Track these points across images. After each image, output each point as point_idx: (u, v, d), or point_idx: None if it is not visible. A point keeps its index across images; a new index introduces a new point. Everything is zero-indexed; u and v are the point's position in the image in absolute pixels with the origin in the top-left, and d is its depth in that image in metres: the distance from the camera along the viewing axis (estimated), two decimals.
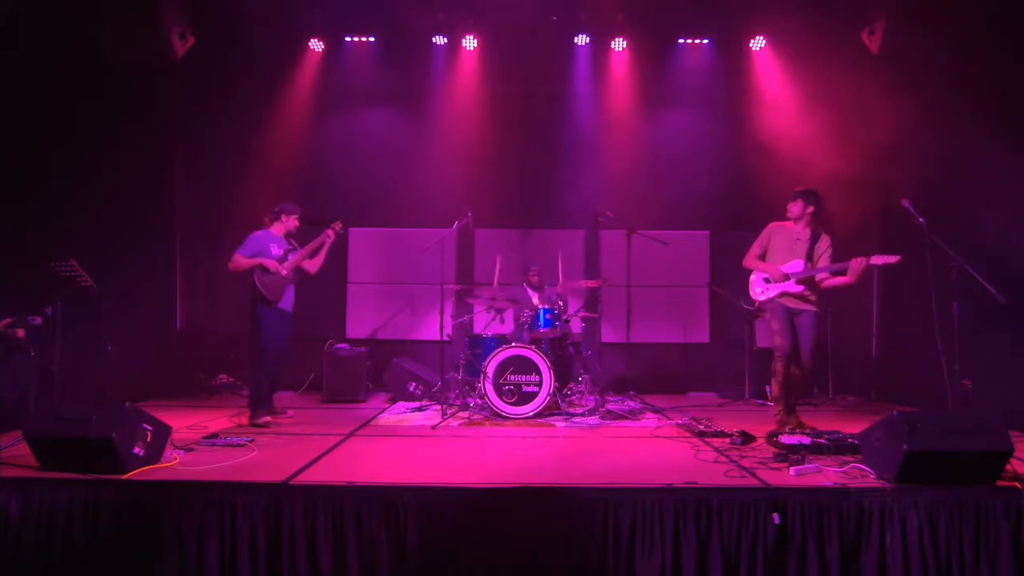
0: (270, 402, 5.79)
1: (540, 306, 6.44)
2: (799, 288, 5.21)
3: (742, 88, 8.03)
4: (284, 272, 5.63)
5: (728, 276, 7.66)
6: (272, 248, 5.67)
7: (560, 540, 3.42)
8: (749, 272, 5.52)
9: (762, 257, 5.45)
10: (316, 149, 8.22)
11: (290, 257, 5.73)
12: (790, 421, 5.19)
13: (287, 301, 5.70)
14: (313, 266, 5.94)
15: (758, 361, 7.29)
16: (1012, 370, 5.31)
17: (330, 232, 5.89)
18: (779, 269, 5.28)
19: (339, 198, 7.94)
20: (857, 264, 4.89)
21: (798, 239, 5.26)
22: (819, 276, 5.16)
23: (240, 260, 5.58)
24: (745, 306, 5.76)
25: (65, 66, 5.95)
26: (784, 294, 5.24)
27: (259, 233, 5.73)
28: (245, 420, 5.60)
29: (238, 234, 5.77)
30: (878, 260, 4.84)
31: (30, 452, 3.85)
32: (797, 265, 5.21)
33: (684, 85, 8.20)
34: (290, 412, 5.98)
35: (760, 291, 5.44)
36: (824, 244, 5.24)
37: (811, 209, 5.23)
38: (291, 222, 5.85)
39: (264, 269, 5.55)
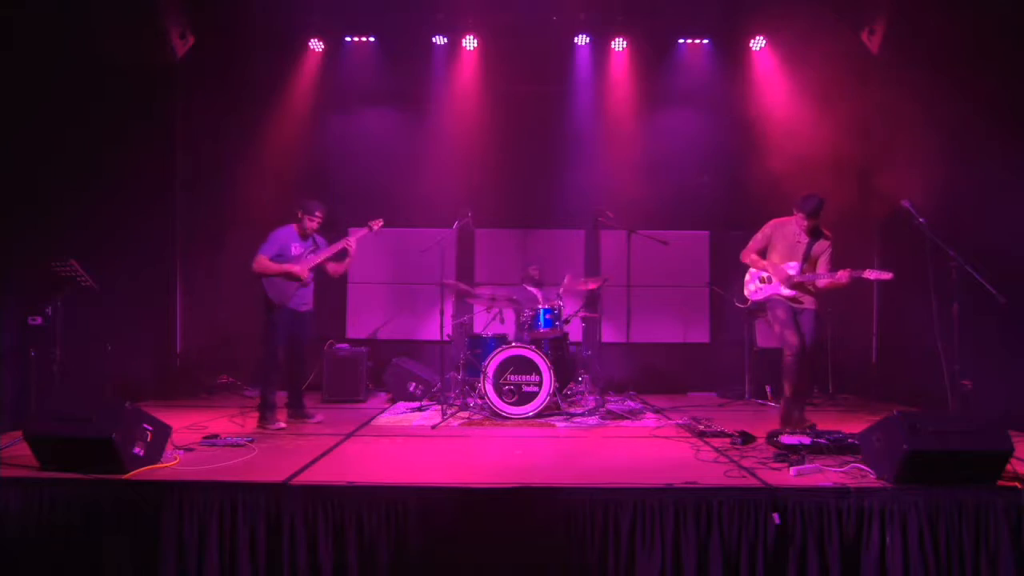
0: (300, 404, 5.75)
1: (543, 304, 6.44)
2: (793, 292, 5.19)
3: (742, 88, 8.03)
4: (304, 276, 5.52)
5: (728, 276, 7.66)
6: (292, 247, 5.54)
7: (560, 540, 3.42)
8: (747, 268, 5.49)
9: (762, 253, 5.40)
10: (316, 149, 8.22)
11: (309, 257, 5.59)
12: (803, 421, 5.12)
13: (298, 301, 5.56)
14: (336, 270, 5.79)
15: (758, 361, 7.29)
16: (1012, 370, 5.31)
17: (351, 240, 5.68)
18: (783, 269, 5.21)
19: (339, 198, 7.93)
20: (843, 276, 4.91)
21: (798, 241, 5.22)
22: (812, 280, 5.13)
23: (263, 261, 5.41)
24: (737, 304, 5.74)
25: (65, 66, 5.94)
26: (779, 295, 5.23)
27: (281, 231, 5.56)
28: (243, 420, 5.59)
29: (238, 233, 5.75)
30: (871, 275, 4.82)
31: (30, 452, 3.85)
32: (793, 268, 5.20)
33: (684, 85, 8.19)
34: (319, 416, 5.81)
35: (754, 289, 5.44)
36: (822, 246, 5.20)
37: (808, 223, 5.15)
38: (308, 223, 5.59)
39: (288, 276, 5.43)
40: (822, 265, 5.17)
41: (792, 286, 5.18)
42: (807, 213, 5.10)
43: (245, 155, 7.88)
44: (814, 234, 5.21)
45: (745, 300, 5.57)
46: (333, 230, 6.05)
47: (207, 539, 3.43)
